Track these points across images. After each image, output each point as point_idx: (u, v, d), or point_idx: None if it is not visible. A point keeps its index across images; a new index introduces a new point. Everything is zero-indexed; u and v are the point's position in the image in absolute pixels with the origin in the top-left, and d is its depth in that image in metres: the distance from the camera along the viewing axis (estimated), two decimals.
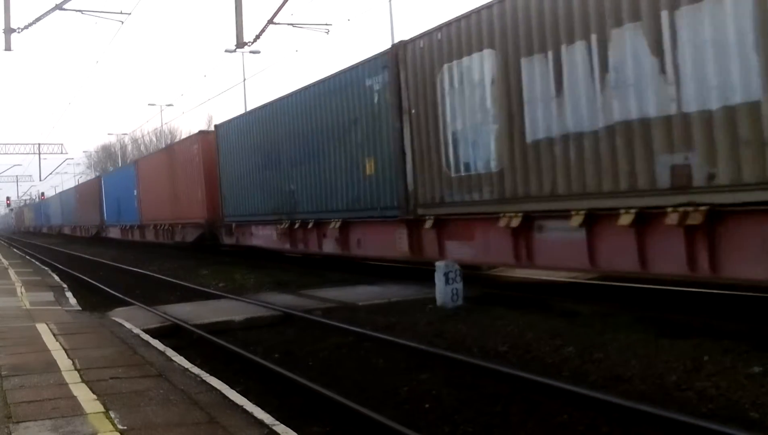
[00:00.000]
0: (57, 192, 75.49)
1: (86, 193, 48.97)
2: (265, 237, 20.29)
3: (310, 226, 17.17)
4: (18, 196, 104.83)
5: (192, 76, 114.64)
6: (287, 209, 18.20)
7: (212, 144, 23.58)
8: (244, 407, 5.76)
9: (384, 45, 18.43)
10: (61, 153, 65.30)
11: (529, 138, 10.39)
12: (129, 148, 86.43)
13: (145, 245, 34.31)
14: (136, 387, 6.55)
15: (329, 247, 16.57)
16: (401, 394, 6.88)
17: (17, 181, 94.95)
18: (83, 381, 6.83)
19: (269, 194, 19.32)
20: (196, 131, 27.56)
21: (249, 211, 20.86)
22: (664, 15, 8.37)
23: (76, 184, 70.06)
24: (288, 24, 20.87)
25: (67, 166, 76.68)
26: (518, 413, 6.06)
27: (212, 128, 24.81)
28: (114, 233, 41.19)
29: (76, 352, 8.27)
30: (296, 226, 17.81)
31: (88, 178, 71.55)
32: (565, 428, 5.68)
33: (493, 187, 11.12)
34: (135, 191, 33.90)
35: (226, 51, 32.35)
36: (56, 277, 20.43)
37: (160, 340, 9.15)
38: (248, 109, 32.30)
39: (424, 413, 6.28)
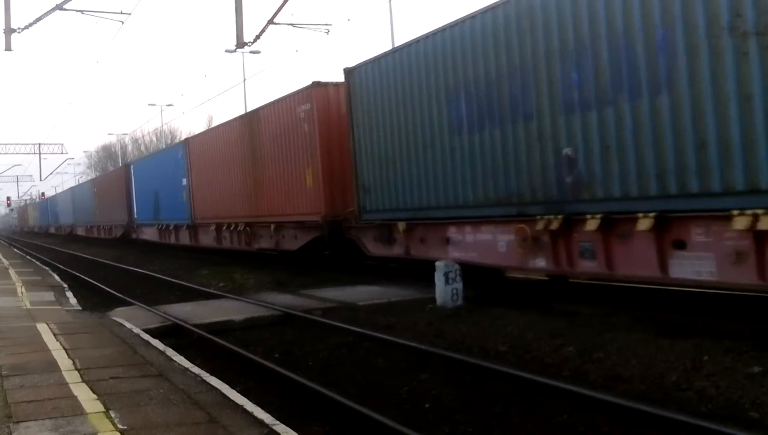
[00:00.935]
0: (57, 192, 75.14)
1: (109, 186, 39.35)
2: (482, 246, 11.67)
3: (640, 227, 8.67)
4: (18, 196, 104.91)
5: (192, 76, 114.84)
6: (546, 195, 10.18)
7: (335, 102, 15.90)
8: (245, 407, 5.77)
9: (384, 45, 16.34)
10: (62, 153, 65.17)
11: None
12: (129, 148, 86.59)
13: (180, 249, 28.45)
14: (136, 387, 6.56)
15: (708, 268, 8.11)
16: (401, 394, 6.88)
17: (17, 181, 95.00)
18: (83, 381, 6.84)
19: (493, 170, 11.11)
20: (294, 91, 17.26)
21: (434, 201, 12.53)
22: None
23: (77, 183, 69.73)
24: (288, 24, 20.92)
25: (67, 166, 76.71)
26: (518, 413, 6.07)
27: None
28: (149, 235, 32.17)
29: (76, 352, 8.29)
30: (585, 225, 9.51)
31: (89, 178, 71.31)
32: (565, 428, 5.68)
33: None
34: (184, 180, 25.60)
35: (226, 51, 32.50)
36: (56, 277, 20.45)
37: (160, 340, 9.17)
38: (247, 108, 31.25)
39: (424, 413, 6.29)
